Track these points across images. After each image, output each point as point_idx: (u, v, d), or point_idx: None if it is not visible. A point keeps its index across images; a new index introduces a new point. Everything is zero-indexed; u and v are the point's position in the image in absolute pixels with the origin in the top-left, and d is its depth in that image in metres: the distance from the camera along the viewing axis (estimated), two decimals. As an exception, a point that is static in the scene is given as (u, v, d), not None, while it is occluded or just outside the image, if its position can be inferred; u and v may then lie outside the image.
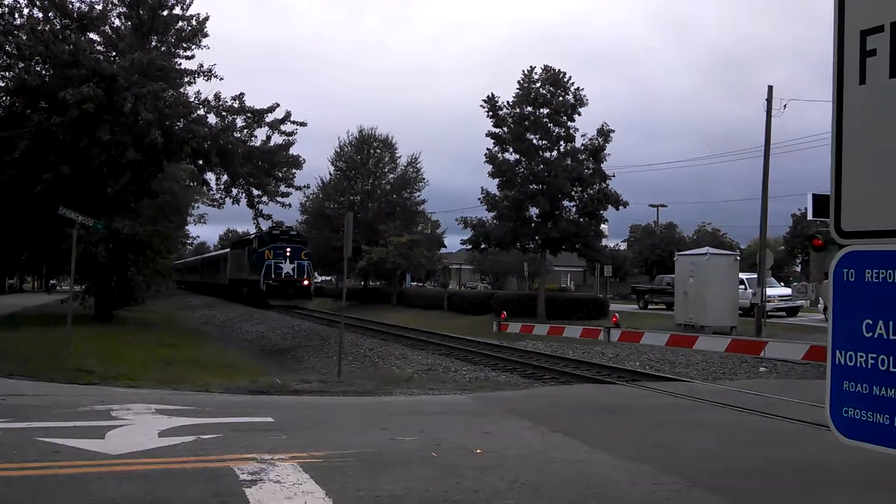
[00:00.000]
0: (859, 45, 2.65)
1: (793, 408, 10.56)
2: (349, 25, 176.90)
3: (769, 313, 32.20)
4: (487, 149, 39.73)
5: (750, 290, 33.91)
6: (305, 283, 46.58)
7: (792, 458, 7.60)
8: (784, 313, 38.40)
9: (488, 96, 39.48)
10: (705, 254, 31.25)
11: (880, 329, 2.50)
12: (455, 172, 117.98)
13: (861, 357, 2.55)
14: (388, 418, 9.28)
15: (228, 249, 61.40)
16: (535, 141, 38.87)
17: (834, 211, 2.78)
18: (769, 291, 32.71)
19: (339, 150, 65.03)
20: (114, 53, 25.16)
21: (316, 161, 69.00)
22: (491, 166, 39.35)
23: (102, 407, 9.35)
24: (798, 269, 72.92)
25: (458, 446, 7.54)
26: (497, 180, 39.45)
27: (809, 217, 30.79)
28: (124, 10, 25.93)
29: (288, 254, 45.20)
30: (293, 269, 45.52)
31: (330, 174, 65.40)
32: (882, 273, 2.54)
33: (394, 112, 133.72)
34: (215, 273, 65.61)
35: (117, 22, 26.13)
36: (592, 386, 14.73)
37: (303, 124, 26.55)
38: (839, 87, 2.73)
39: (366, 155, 64.10)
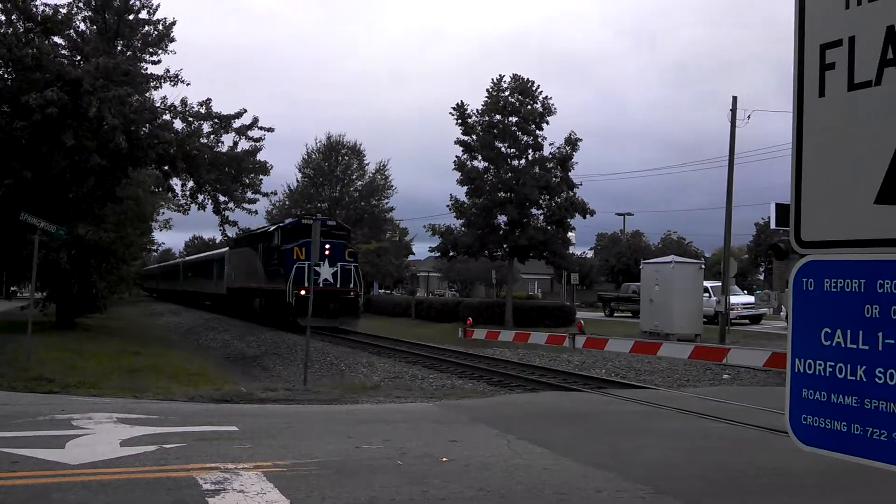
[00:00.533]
0: (819, 59, 2.70)
1: (755, 414, 10.69)
2: (318, 31, 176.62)
3: (733, 321, 32.64)
4: (456, 156, 39.91)
5: (714, 298, 34.32)
6: (352, 293, 32.67)
7: (754, 464, 7.69)
8: (747, 321, 39.00)
9: (458, 104, 39.67)
10: (670, 262, 31.58)
11: (838, 338, 2.54)
12: (424, 179, 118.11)
13: (819, 365, 2.59)
14: (354, 426, 9.23)
15: (227, 249, 46.66)
16: (503, 149, 39.08)
17: (794, 221, 2.82)
18: (733, 299, 33.16)
19: (306, 156, 64.94)
20: (79, 58, 24.82)
21: (283, 166, 68.65)
22: (460, 174, 39.47)
23: (63, 416, 9.19)
24: (761, 277, 74.04)
25: (424, 454, 7.53)
26: (466, 188, 39.58)
27: (773, 226, 31.33)
28: (90, 14, 25.62)
29: (327, 252, 31.59)
30: (334, 275, 32.15)
31: (297, 181, 65.23)
32: (840, 282, 2.58)
33: (363, 119, 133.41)
34: (206, 279, 52.92)
35: (82, 26, 25.83)
36: (559, 393, 14.78)
37: (270, 130, 26.43)
38: (799, 99, 2.78)
39: (334, 162, 63.98)
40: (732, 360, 13.30)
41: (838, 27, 2.64)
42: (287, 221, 33.98)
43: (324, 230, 32.33)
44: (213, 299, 49.68)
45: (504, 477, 6.75)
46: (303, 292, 29.49)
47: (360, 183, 64.11)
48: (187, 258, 72.88)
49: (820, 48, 2.70)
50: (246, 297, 39.28)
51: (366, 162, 65.02)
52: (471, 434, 9.03)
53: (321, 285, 30.94)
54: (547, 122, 39.30)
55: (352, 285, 32.54)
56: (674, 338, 26.70)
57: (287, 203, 64.54)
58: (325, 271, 31.65)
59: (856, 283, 2.53)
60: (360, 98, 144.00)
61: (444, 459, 7.33)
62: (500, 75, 39.89)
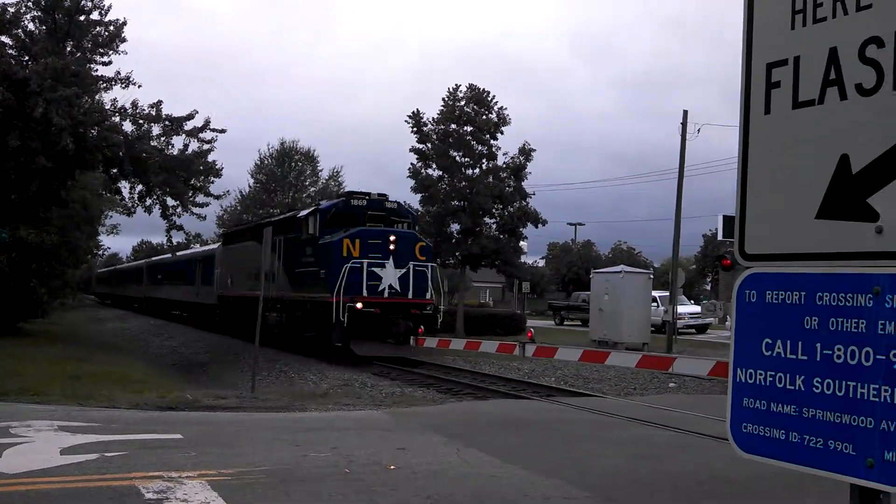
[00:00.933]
0: (765, 77, 2.77)
1: (700, 422, 10.85)
2: (274, 37, 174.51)
3: (680, 330, 33.19)
4: (411, 164, 39.90)
5: (662, 308, 34.86)
6: (429, 308, 23.19)
7: (699, 472, 7.80)
8: (694, 330, 39.71)
9: (413, 112, 39.69)
10: (620, 272, 31.97)
11: (779, 348, 2.60)
12: (378, 187, 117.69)
13: (760, 375, 2.65)
14: (302, 434, 9.15)
15: (218, 245, 36.68)
16: (458, 158, 39.21)
17: (738, 234, 2.88)
18: (680, 309, 33.72)
19: (259, 162, 64.32)
20: (26, 58, 24.25)
21: (235, 171, 67.73)
22: (414, 181, 39.49)
23: (0, 424, 8.94)
24: (708, 287, 75.37)
25: (372, 462, 7.49)
26: (420, 196, 39.59)
27: (719, 237, 31.96)
28: (39, 14, 25.05)
29: (392, 247, 22.39)
30: (403, 280, 22.43)
31: (249, 186, 64.59)
32: (781, 294, 2.64)
33: (318, 124, 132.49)
34: (182, 285, 42.87)
35: (31, 26, 25.23)
36: (508, 401, 14.83)
37: (222, 131, 26.05)
38: (746, 115, 2.84)
39: (287, 168, 63.53)
40: (678, 370, 13.50)
41: (784, 47, 2.71)
42: (325, 203, 24.60)
43: (380, 214, 23.85)
44: (195, 310, 39.21)
45: (452, 484, 6.74)
46: (359, 305, 21.15)
47: (313, 189, 63.63)
48: (154, 258, 59.86)
49: (766, 67, 2.77)
50: (253, 310, 29.28)
51: (319, 168, 64.79)
52: (419, 442, 9.01)
53: (385, 295, 22.08)
54: (501, 133, 39.57)
55: (428, 295, 23.05)
56: (622, 346, 27.02)
57: (239, 208, 63.95)
58: (390, 274, 22.12)
59: (796, 295, 2.59)
60: (315, 104, 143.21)
61: (392, 467, 7.30)
62: (456, 84, 40.08)
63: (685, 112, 31.15)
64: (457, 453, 8.23)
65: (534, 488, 6.75)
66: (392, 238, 22.38)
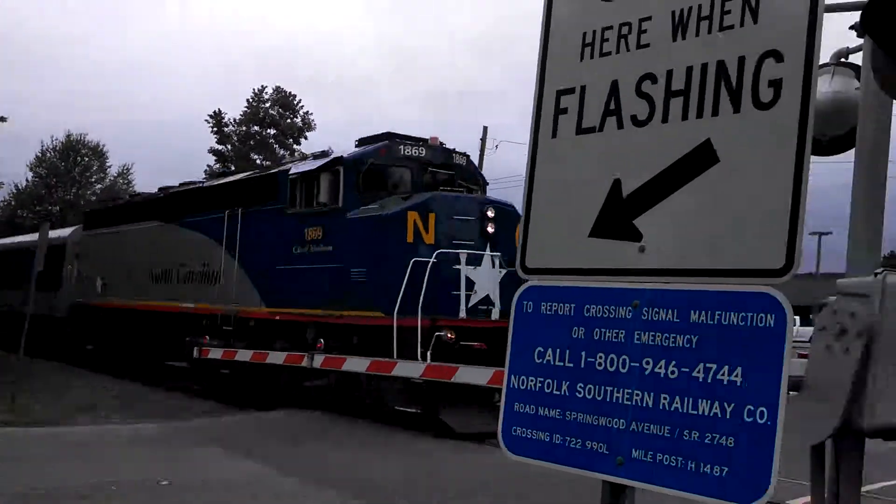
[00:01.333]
0: (555, 103, 2.94)
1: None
2: (62, 18, 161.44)
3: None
4: (208, 165, 38.69)
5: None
6: None
7: (473, 476, 8.06)
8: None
9: (214, 112, 38.68)
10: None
11: (549, 356, 2.75)
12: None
13: (531, 381, 2.79)
14: (67, 450, 8.49)
15: (76, 229, 24.88)
16: (259, 161, 38.50)
17: (521, 249, 3.03)
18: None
19: (41, 154, 59.50)
20: None
21: (15, 164, 62.01)
22: (209, 185, 38.27)
23: None
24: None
25: (142, 478, 7.09)
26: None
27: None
28: None
29: (491, 228, 12.53)
30: (505, 286, 12.36)
31: (27, 180, 59.51)
32: (555, 306, 2.80)
33: (109, 118, 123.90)
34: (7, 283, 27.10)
35: None
36: (293, 411, 14.54)
37: (2, 119, 23.84)
38: (535, 137, 3.00)
39: (71, 162, 59.27)
40: (460, 379, 13.80)
41: (573, 76, 2.89)
42: (351, 153, 13.84)
43: (447, 173, 14.21)
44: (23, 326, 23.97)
45: (224, 498, 6.53)
46: (451, 335, 12.36)
47: (99, 186, 59.69)
48: None
49: (556, 93, 2.94)
50: (159, 330, 19.04)
51: (108, 164, 60.91)
52: (196, 455, 8.67)
53: (493, 317, 12.81)
54: (306, 137, 39.41)
55: None
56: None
57: (13, 203, 58.89)
58: (488, 277, 12.75)
59: (567, 307, 2.75)
60: (107, 96, 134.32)
61: (164, 482, 6.95)
62: (262, 86, 39.49)
63: (485, 128, 32.42)
64: (234, 466, 7.98)
65: (308, 500, 6.69)
66: (490, 213, 12.82)
